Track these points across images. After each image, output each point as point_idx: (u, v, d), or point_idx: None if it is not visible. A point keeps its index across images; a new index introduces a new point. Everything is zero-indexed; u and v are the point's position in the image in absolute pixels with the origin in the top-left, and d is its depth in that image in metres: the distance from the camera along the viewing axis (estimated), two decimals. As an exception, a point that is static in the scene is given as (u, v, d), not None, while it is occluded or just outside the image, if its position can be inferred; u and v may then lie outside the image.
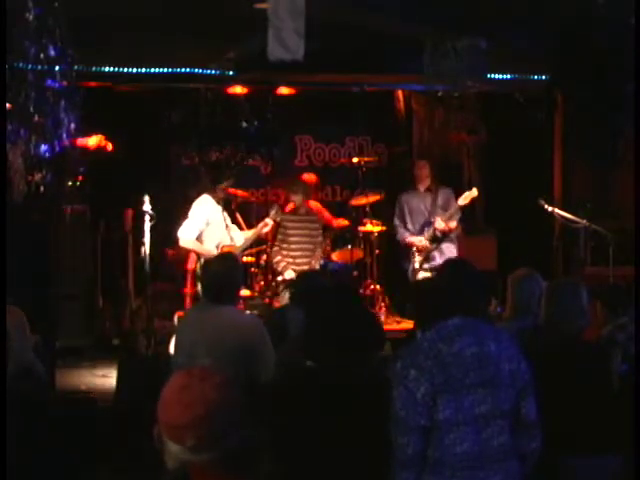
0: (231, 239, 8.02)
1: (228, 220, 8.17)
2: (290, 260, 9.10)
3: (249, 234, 8.37)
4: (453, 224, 8.55)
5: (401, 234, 8.79)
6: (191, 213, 7.86)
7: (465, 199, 8.49)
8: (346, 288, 5.36)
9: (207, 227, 7.86)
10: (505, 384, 3.44)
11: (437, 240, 8.57)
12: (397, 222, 8.87)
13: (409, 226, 8.76)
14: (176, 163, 10.97)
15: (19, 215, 7.38)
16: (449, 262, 5.12)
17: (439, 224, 8.50)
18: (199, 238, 7.84)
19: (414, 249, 8.62)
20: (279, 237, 9.19)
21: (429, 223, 8.60)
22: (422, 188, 8.77)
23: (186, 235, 7.78)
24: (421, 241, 8.59)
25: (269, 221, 8.36)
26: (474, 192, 8.54)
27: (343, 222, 9.65)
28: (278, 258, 9.12)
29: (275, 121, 10.48)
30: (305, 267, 8.93)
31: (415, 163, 9.12)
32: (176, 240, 7.87)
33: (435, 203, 8.65)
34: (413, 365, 3.39)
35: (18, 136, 6.70)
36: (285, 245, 9.16)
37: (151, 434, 2.30)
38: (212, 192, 7.99)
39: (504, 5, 8.05)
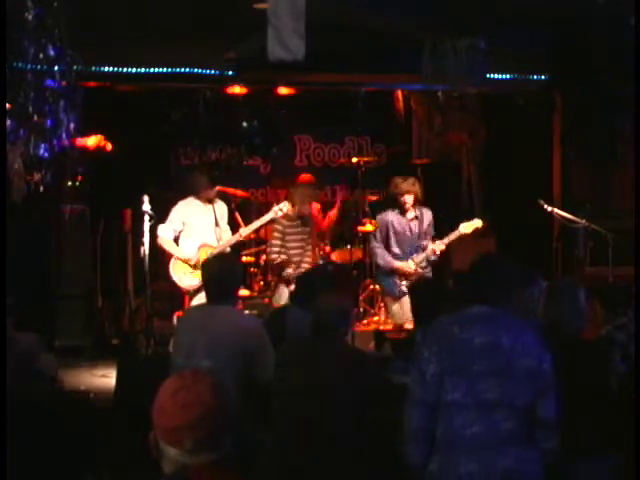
0: (219, 240, 8.01)
1: (223, 221, 8.15)
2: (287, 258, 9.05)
3: (254, 225, 8.42)
4: (443, 247, 8.15)
5: (384, 258, 8.12)
6: (170, 214, 8.00)
7: (467, 228, 8.12)
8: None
9: (185, 228, 7.98)
10: (518, 378, 3.51)
11: (430, 263, 8.13)
12: (376, 244, 8.20)
13: (394, 249, 8.15)
14: (176, 163, 10.96)
15: (19, 215, 7.37)
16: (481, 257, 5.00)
17: (439, 246, 8.07)
18: (177, 239, 7.99)
19: (397, 275, 8.07)
20: (277, 242, 8.99)
21: (417, 247, 8.12)
22: (411, 210, 8.12)
23: (162, 233, 7.92)
24: (409, 267, 8.04)
25: (278, 212, 8.29)
26: (478, 223, 8.16)
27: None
28: (274, 256, 8.98)
29: (275, 121, 10.47)
30: (304, 266, 8.84)
31: (404, 183, 8.09)
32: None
33: (422, 226, 8.15)
34: (427, 345, 3.61)
35: (17, 136, 6.69)
36: (284, 249, 9.07)
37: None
38: (196, 194, 8.01)
39: (504, 5, 8.06)
